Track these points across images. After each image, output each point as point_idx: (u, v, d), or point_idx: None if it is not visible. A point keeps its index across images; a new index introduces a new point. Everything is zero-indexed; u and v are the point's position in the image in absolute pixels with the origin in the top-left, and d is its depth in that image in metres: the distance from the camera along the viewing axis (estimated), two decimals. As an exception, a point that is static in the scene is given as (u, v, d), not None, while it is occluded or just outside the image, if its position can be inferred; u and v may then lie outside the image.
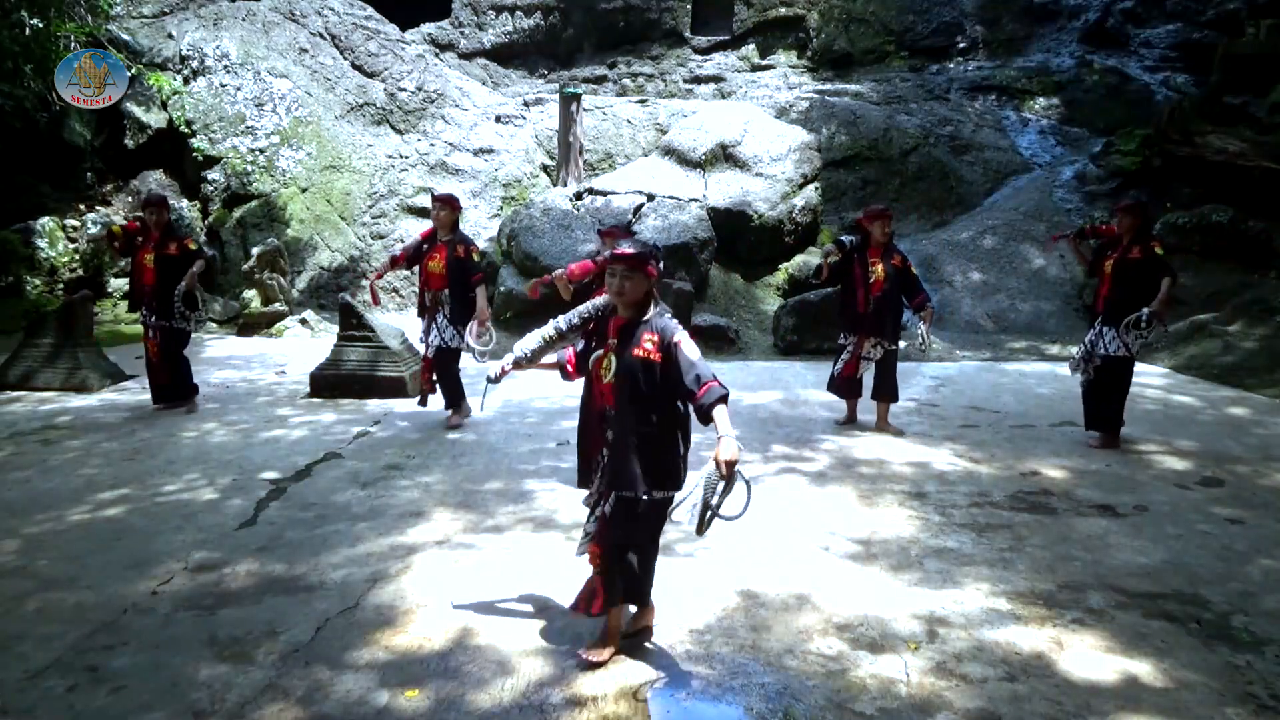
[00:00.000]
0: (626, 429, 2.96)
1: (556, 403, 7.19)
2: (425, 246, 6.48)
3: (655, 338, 2.94)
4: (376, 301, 7.00)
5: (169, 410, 6.86)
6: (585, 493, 3.28)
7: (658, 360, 2.93)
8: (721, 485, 2.73)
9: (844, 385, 6.44)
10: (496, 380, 3.17)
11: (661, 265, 3.11)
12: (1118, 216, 5.98)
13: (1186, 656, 3.11)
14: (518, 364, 3.18)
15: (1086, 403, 6.08)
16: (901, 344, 6.53)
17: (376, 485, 5.06)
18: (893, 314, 6.22)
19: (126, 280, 12.03)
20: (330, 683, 2.92)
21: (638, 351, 2.95)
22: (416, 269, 6.65)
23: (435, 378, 6.50)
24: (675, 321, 3.01)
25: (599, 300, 3.25)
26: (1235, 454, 5.72)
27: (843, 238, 6.42)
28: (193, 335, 7.25)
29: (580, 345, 3.23)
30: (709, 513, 2.74)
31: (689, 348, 2.91)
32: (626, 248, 3.00)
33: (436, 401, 6.98)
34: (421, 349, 6.61)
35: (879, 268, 6.11)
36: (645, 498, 2.96)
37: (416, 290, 6.53)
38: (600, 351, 3.06)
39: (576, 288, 4.65)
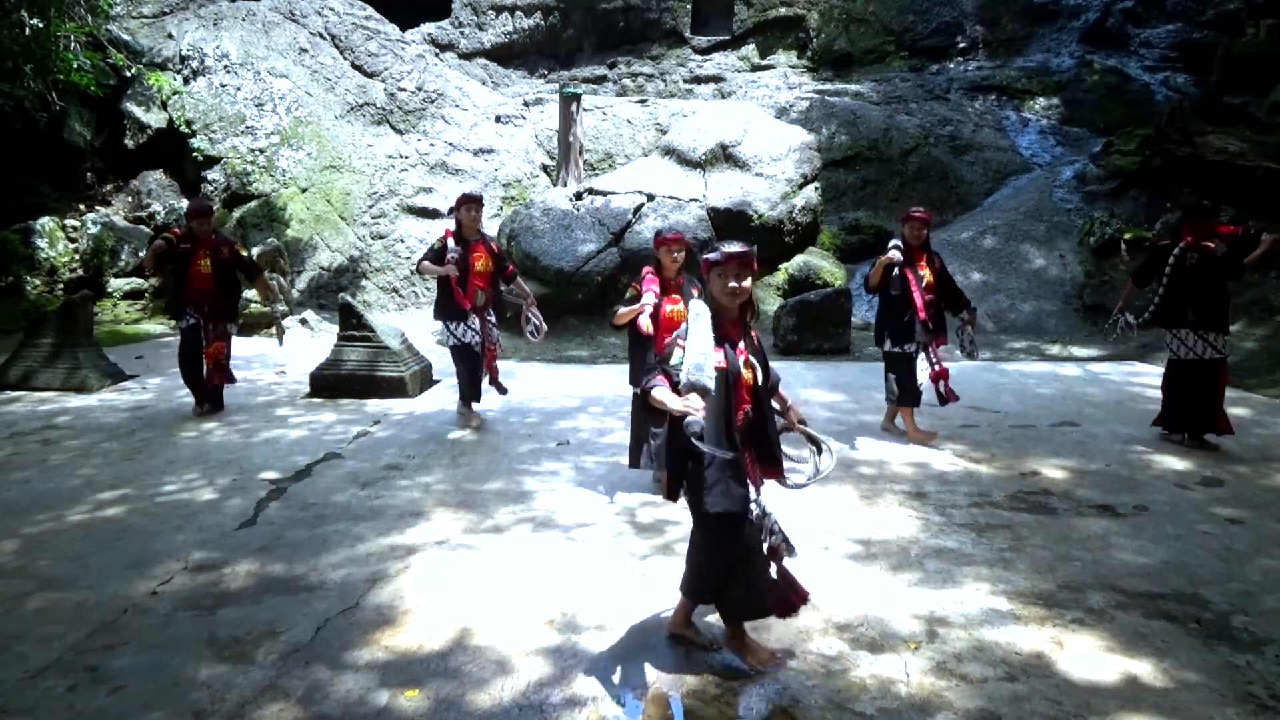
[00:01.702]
0: (764, 417, 3.06)
1: (556, 403, 7.19)
2: (458, 248, 6.34)
3: (757, 336, 3.16)
4: (467, 302, 6.47)
5: (211, 413, 6.84)
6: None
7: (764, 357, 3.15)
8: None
9: (918, 394, 6.08)
10: (700, 434, 2.79)
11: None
12: (1206, 220, 5.73)
13: (1186, 656, 3.10)
14: (702, 392, 2.75)
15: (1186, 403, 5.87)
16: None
17: (376, 485, 5.06)
18: (942, 317, 6.06)
19: (141, 278, 12.10)
20: (330, 683, 2.92)
21: (753, 350, 3.07)
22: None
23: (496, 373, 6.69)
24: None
25: (701, 307, 3.01)
26: (1235, 454, 5.71)
27: (896, 242, 6.01)
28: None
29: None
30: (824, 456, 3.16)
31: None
32: (738, 246, 2.96)
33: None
34: (473, 342, 6.46)
35: (926, 272, 5.93)
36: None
37: (452, 291, 6.30)
38: (744, 356, 2.99)
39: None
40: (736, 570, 3.02)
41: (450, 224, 6.64)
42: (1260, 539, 4.23)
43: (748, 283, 2.98)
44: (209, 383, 6.87)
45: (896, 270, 5.88)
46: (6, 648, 3.15)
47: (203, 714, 2.74)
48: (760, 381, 3.04)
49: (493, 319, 6.56)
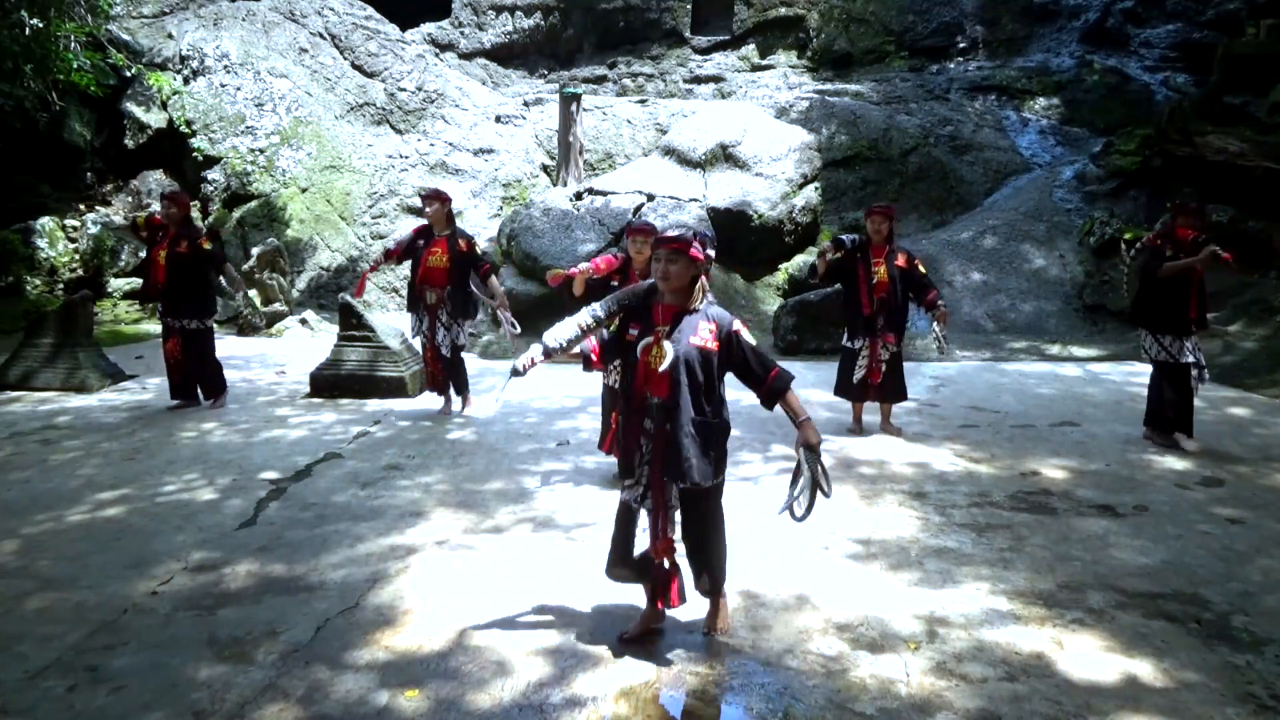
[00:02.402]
0: (683, 418, 2.94)
1: (556, 403, 7.18)
2: (421, 242, 6.50)
3: (713, 326, 2.98)
4: (360, 292, 7.19)
5: (183, 409, 6.90)
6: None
7: (715, 349, 2.97)
8: (820, 467, 2.91)
9: (859, 390, 6.22)
10: (523, 372, 3.03)
11: (711, 253, 3.12)
12: (1187, 218, 5.74)
13: (1186, 656, 3.10)
14: (548, 354, 2.99)
15: (1188, 407, 5.88)
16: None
17: (376, 485, 5.06)
18: (899, 314, 6.12)
19: (142, 278, 12.10)
20: (330, 683, 2.92)
21: (695, 340, 2.95)
22: (410, 265, 6.66)
23: (445, 375, 6.69)
24: (727, 312, 3.07)
25: (639, 286, 3.15)
26: (1235, 454, 5.71)
27: (843, 237, 6.26)
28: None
29: (605, 335, 3.16)
30: (819, 493, 2.93)
31: (749, 335, 3.01)
32: (670, 232, 3.00)
33: (433, 401, 6.99)
34: (417, 344, 6.66)
35: (881, 269, 5.97)
36: (709, 485, 3.01)
37: (410, 285, 6.57)
38: (649, 340, 2.99)
39: (590, 285, 4.68)
40: (616, 533, 3.17)
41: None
42: (1260, 539, 4.23)
43: (675, 269, 2.94)
44: (170, 377, 6.91)
45: (839, 264, 6.07)
46: (6, 648, 3.15)
47: (203, 714, 2.74)
48: (676, 372, 2.94)
49: (444, 319, 6.46)
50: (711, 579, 3.17)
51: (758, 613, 3.45)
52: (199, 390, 7.05)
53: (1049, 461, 5.55)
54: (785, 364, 3.28)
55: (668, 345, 2.95)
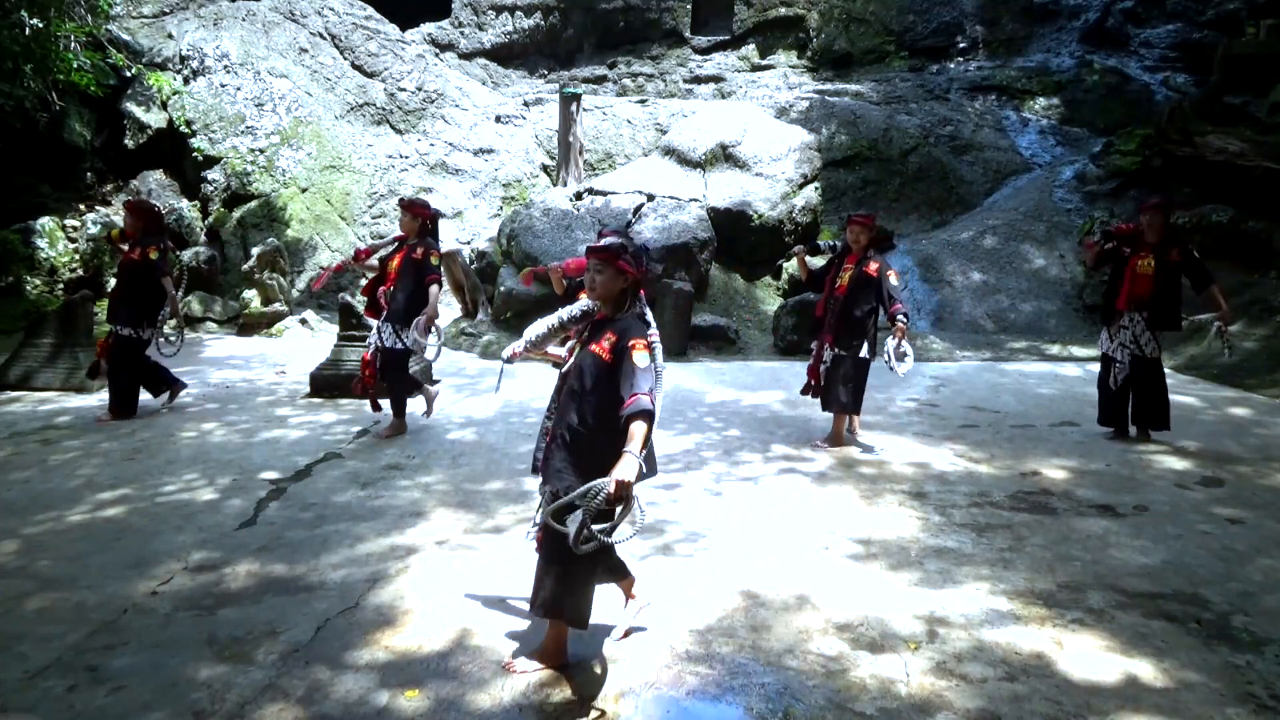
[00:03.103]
0: (561, 422, 2.96)
1: (556, 403, 7.18)
2: (393, 249, 6.29)
3: (613, 338, 2.86)
4: (318, 285, 7.23)
5: (112, 422, 6.55)
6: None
7: (607, 360, 2.84)
8: (601, 501, 2.59)
9: (810, 388, 6.12)
10: (509, 360, 3.09)
11: (646, 264, 3.01)
12: (1146, 215, 5.92)
13: (1186, 656, 3.10)
14: (527, 347, 3.13)
15: (1115, 400, 6.13)
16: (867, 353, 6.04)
17: (376, 485, 5.06)
18: (849, 321, 5.85)
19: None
20: (330, 683, 2.92)
21: (593, 348, 2.90)
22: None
23: (379, 378, 6.23)
24: (647, 327, 2.88)
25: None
26: (1236, 454, 5.72)
27: (822, 243, 6.38)
28: (190, 335, 7.18)
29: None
30: (585, 530, 2.62)
31: (640, 356, 2.76)
32: (601, 241, 2.94)
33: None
34: (373, 344, 6.24)
35: (846, 274, 5.86)
36: (563, 490, 2.83)
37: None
38: (571, 343, 3.08)
39: (570, 285, 4.66)
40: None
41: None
42: (1260, 539, 4.23)
43: (601, 277, 2.90)
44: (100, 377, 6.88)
45: (822, 270, 6.17)
46: (6, 648, 3.15)
47: (203, 714, 2.74)
48: (569, 378, 2.95)
49: (391, 325, 6.12)
50: (548, 599, 2.94)
51: (758, 613, 3.44)
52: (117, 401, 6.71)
53: (1049, 461, 5.55)
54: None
55: (565, 350, 3.05)
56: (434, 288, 6.09)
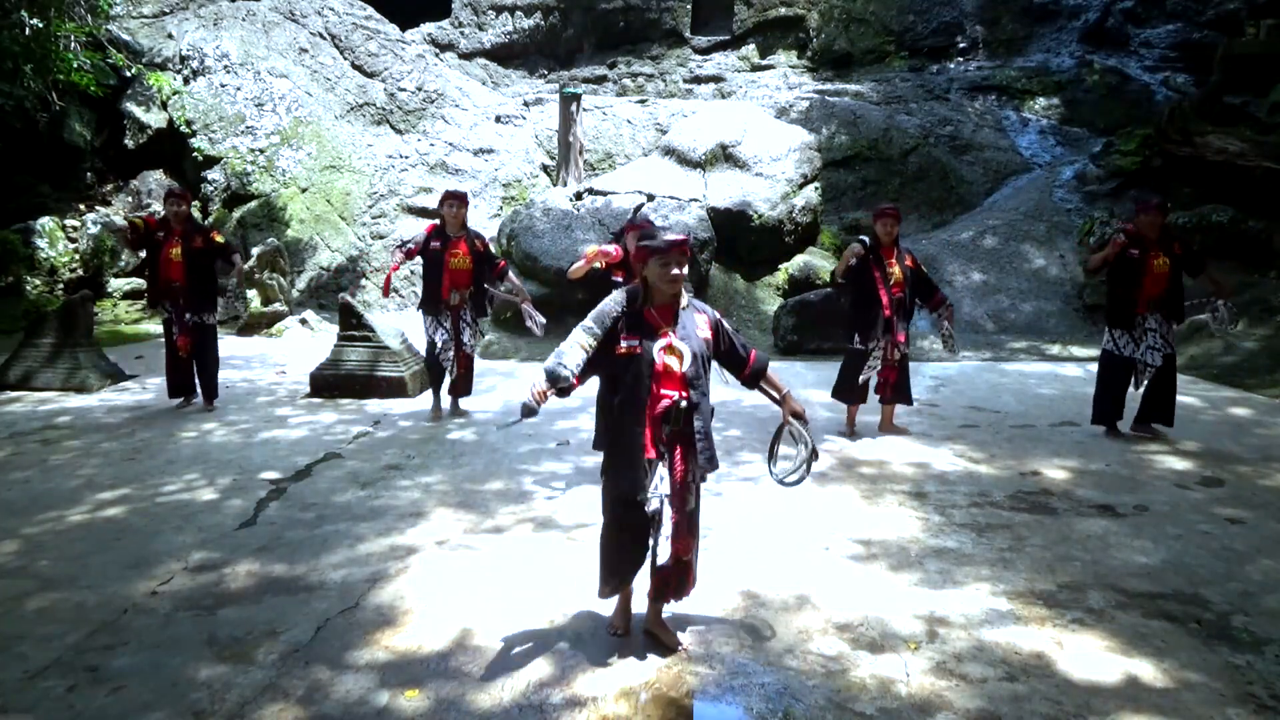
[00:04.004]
0: (705, 411, 3.05)
1: (556, 403, 7.15)
2: (436, 244, 6.42)
3: (704, 318, 3.09)
4: (386, 292, 7.69)
5: (184, 408, 6.91)
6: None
7: (711, 338, 3.07)
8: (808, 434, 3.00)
9: (862, 391, 6.18)
10: (536, 410, 2.95)
11: None
12: (1148, 215, 5.87)
13: (1186, 656, 3.10)
14: (560, 386, 2.94)
15: (1121, 401, 6.12)
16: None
17: (376, 485, 5.06)
18: (909, 315, 6.16)
19: (141, 279, 12.10)
20: (330, 683, 2.92)
21: (700, 334, 3.03)
22: (422, 266, 6.65)
23: (468, 376, 6.74)
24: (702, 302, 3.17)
25: (617, 296, 3.08)
26: (1236, 454, 5.72)
27: (862, 238, 6.16)
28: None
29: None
30: (813, 460, 3.03)
31: (728, 321, 3.11)
32: (678, 235, 3.02)
33: (428, 399, 6.98)
34: (438, 343, 6.56)
35: (896, 269, 5.95)
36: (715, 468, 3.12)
37: (428, 286, 6.51)
38: (663, 343, 2.97)
39: (594, 278, 4.78)
40: (629, 550, 3.13)
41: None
42: (1260, 539, 4.23)
43: (685, 270, 3.02)
44: (174, 375, 6.89)
45: (857, 266, 5.98)
46: (6, 648, 3.15)
47: (203, 714, 2.74)
48: (689, 370, 2.97)
49: (468, 318, 6.54)
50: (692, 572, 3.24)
51: (758, 613, 3.45)
52: (198, 387, 7.01)
53: (1049, 461, 5.55)
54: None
55: (682, 345, 2.98)
56: (511, 271, 6.63)
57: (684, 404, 2.98)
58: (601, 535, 3.20)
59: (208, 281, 6.84)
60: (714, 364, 3.14)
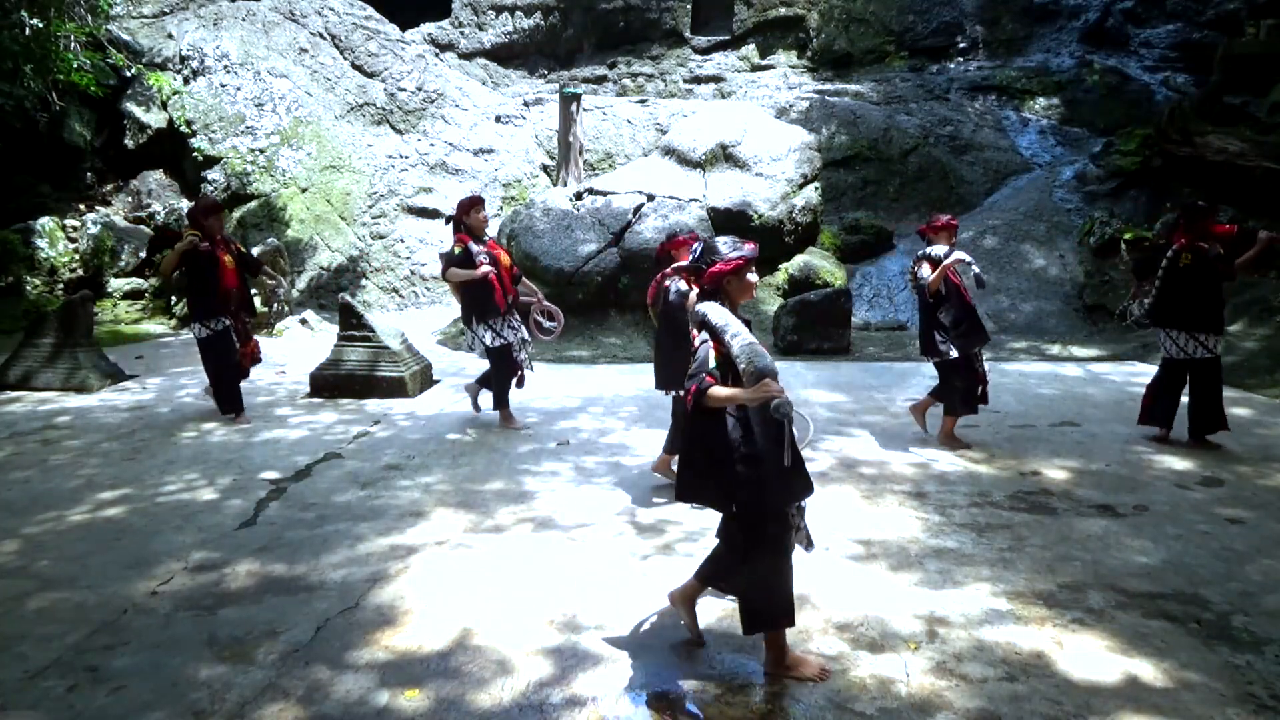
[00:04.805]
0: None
1: (557, 403, 7.18)
2: (479, 251, 6.15)
3: None
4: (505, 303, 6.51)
5: (238, 421, 6.59)
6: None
7: None
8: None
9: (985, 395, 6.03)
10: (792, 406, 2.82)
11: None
12: (1209, 218, 5.78)
13: (1186, 656, 3.10)
14: (773, 375, 2.76)
15: (1169, 401, 5.93)
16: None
17: (376, 485, 5.06)
18: None
19: (142, 278, 12.08)
20: (330, 683, 2.92)
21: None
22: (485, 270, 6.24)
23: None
24: None
25: (718, 307, 2.99)
26: (1236, 454, 5.71)
27: (944, 248, 5.83)
28: (188, 334, 7.19)
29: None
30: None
31: None
32: (754, 245, 3.05)
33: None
34: (514, 343, 6.31)
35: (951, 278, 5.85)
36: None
37: (485, 293, 6.13)
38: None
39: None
40: (778, 572, 2.96)
41: (446, 229, 6.59)
42: (1260, 539, 4.23)
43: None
44: (237, 383, 6.70)
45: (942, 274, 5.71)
46: (7, 648, 3.15)
47: (203, 714, 2.74)
48: None
49: (516, 320, 6.43)
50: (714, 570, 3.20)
51: (758, 613, 3.44)
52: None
53: (1049, 461, 5.55)
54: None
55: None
56: (524, 278, 6.59)
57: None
58: (756, 567, 2.94)
59: (245, 289, 6.80)
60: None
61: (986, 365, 6.20)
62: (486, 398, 6.63)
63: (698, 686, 2.93)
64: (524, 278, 6.63)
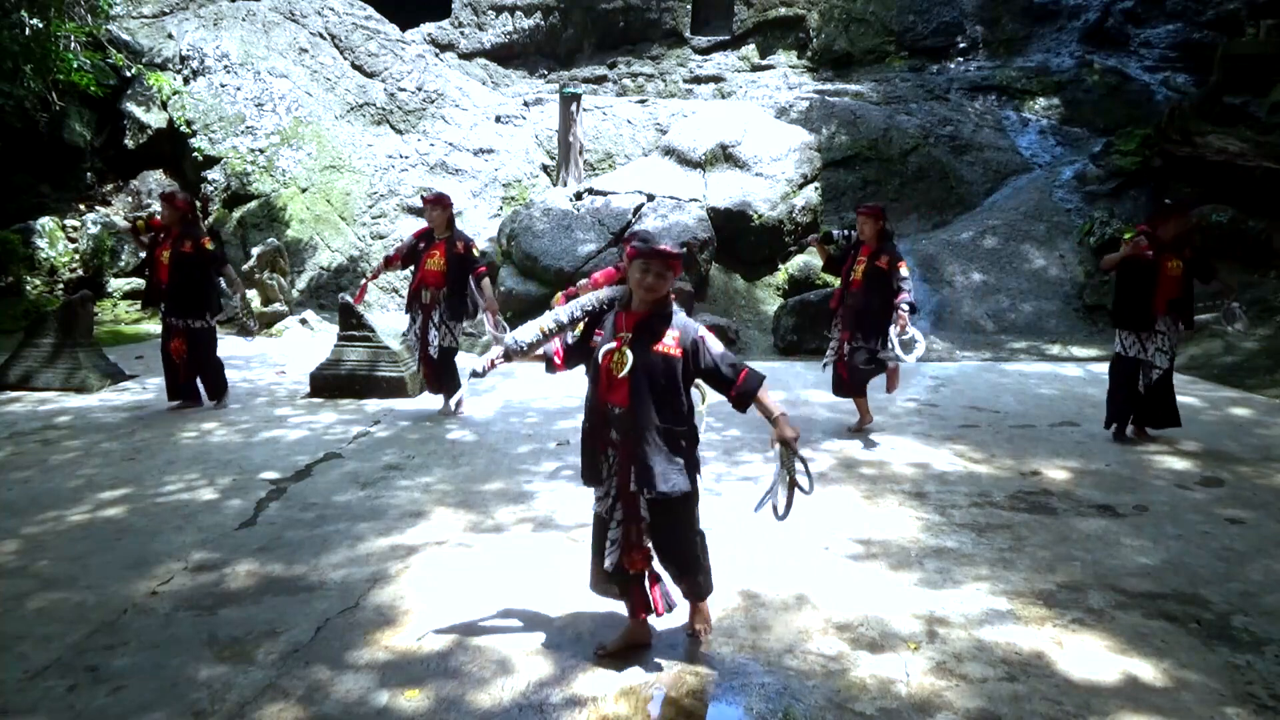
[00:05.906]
0: (646, 425, 2.88)
1: (556, 403, 7.18)
2: (421, 245, 6.58)
3: (677, 334, 2.92)
4: (360, 299, 7.50)
5: (183, 409, 6.90)
6: (586, 491, 3.25)
7: (679, 356, 2.90)
8: (798, 463, 2.88)
9: (843, 386, 6.25)
10: (482, 375, 3.08)
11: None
12: (1174, 219, 5.80)
13: (1186, 656, 3.10)
14: (509, 355, 3.02)
15: (1132, 402, 6.00)
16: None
17: (376, 485, 5.06)
18: (865, 317, 5.98)
19: (142, 278, 12.09)
20: (330, 683, 2.92)
21: (659, 348, 2.90)
22: (411, 267, 6.70)
23: (436, 375, 6.70)
24: (693, 320, 3.04)
25: (602, 293, 3.12)
26: (1236, 454, 5.72)
27: (835, 231, 6.42)
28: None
29: (571, 338, 3.17)
30: (795, 491, 2.92)
31: (713, 341, 2.94)
32: (667, 244, 2.93)
33: (433, 401, 6.99)
34: (411, 341, 6.82)
35: (860, 267, 6.00)
36: (678, 492, 2.91)
37: (411, 284, 6.66)
38: (611, 345, 2.94)
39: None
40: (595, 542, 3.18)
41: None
42: (1260, 539, 4.23)
43: (663, 282, 2.89)
44: (170, 378, 6.90)
45: (840, 256, 6.27)
46: (6, 648, 3.15)
47: (203, 714, 2.74)
48: (636, 379, 2.88)
49: (438, 319, 6.48)
50: (691, 586, 3.15)
51: (758, 613, 3.44)
52: (201, 390, 7.03)
53: (1049, 461, 5.55)
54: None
55: (628, 352, 2.89)
56: (485, 280, 6.52)
57: (617, 411, 2.93)
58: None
59: (194, 287, 6.73)
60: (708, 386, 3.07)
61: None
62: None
63: (697, 686, 2.93)
64: (485, 282, 6.49)
